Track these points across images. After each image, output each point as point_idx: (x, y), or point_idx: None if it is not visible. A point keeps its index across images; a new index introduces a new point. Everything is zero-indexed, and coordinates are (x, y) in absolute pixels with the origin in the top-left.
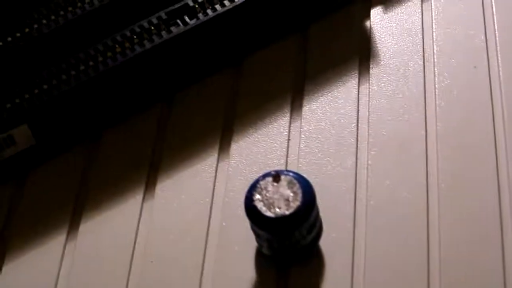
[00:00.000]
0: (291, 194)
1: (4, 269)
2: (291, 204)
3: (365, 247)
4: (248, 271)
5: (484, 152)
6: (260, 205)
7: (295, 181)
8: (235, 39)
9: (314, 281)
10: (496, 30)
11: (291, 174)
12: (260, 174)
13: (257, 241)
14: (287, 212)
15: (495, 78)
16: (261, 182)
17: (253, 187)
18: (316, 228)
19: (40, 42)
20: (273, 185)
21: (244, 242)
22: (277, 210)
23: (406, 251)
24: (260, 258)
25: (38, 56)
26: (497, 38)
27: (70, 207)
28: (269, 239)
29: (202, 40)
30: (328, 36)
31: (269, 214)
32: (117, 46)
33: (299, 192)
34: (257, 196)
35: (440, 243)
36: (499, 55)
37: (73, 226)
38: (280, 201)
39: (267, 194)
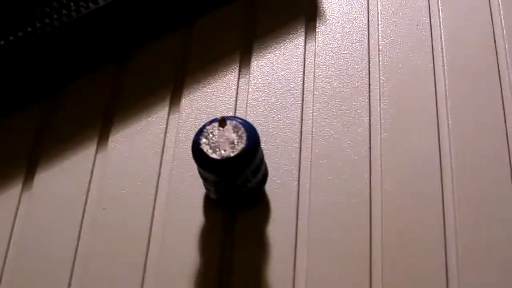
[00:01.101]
0: (236, 138)
1: None
2: (236, 146)
3: (309, 192)
4: (196, 215)
5: (426, 105)
6: (206, 148)
7: (240, 126)
8: (186, 0)
9: (260, 224)
10: None
11: (236, 119)
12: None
13: (205, 186)
14: (232, 154)
15: (436, 35)
16: (208, 127)
17: (200, 132)
18: (261, 171)
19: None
20: (219, 129)
21: (193, 189)
22: (223, 152)
23: (349, 196)
24: (208, 203)
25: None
26: None
27: (26, 158)
28: (216, 182)
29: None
30: None
31: (215, 156)
32: (72, 4)
33: (244, 135)
34: (204, 140)
35: (381, 187)
36: (440, 13)
37: (28, 177)
38: (225, 144)
39: (213, 138)
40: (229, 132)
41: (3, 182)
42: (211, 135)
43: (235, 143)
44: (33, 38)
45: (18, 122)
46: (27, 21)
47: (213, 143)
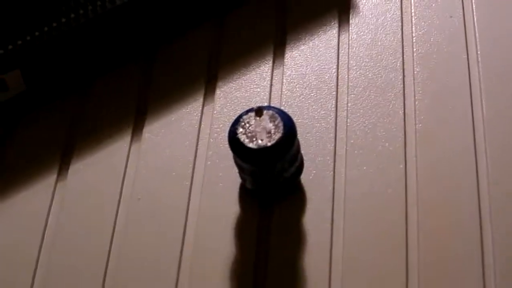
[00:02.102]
0: (273, 127)
1: None
2: (273, 136)
3: (344, 183)
4: (232, 207)
5: (460, 96)
6: (243, 138)
7: (276, 115)
8: None
9: (296, 216)
10: None
11: (273, 109)
12: None
13: (241, 176)
14: (269, 144)
15: (470, 26)
16: (244, 117)
17: (237, 122)
18: (297, 161)
19: None
20: (255, 119)
21: (228, 180)
22: (260, 141)
23: (384, 185)
24: (244, 194)
25: (30, 3)
26: None
27: (61, 150)
28: (252, 172)
29: None
30: None
31: (251, 145)
32: None
33: (280, 125)
34: (240, 130)
35: (417, 178)
36: (473, 5)
37: (63, 168)
38: (262, 133)
39: (250, 128)
40: (266, 121)
41: (39, 172)
42: (247, 125)
43: (272, 132)
44: (66, 30)
45: (53, 113)
46: (62, 12)
47: (250, 132)
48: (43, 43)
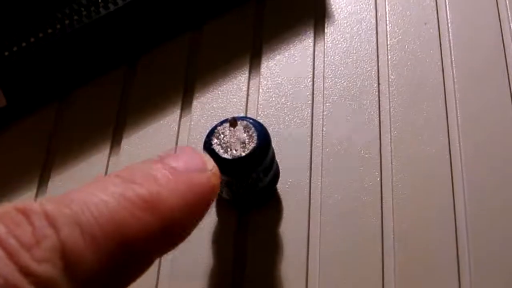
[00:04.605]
0: (247, 137)
1: None
2: (247, 146)
3: (320, 191)
4: (209, 217)
5: (435, 103)
6: (218, 149)
7: (250, 126)
8: (196, 3)
9: (273, 224)
10: None
11: (247, 119)
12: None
13: None
14: (243, 154)
15: (444, 33)
16: (219, 128)
17: (211, 133)
18: (272, 170)
19: (8, 6)
20: (230, 130)
21: None
22: (234, 152)
23: (360, 192)
24: (220, 204)
25: (7, 19)
26: None
27: (40, 164)
28: (228, 182)
29: (164, 3)
30: (284, 1)
31: (226, 156)
32: (82, 9)
33: (255, 135)
34: (215, 141)
35: (392, 185)
36: (448, 11)
37: (42, 183)
38: (236, 144)
39: (224, 138)
40: (240, 132)
41: (17, 190)
42: (222, 135)
43: (246, 142)
44: (44, 44)
45: (33, 126)
46: (38, 27)
47: (225, 143)
48: (23, 58)
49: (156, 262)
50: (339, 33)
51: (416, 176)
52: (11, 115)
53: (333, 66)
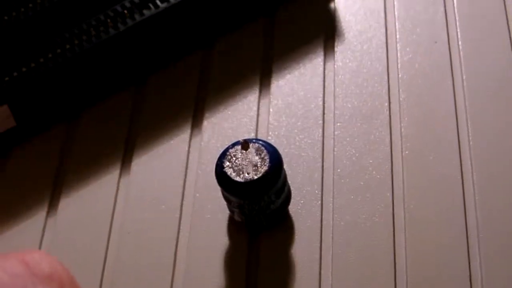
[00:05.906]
0: (259, 160)
1: None
2: (259, 169)
3: (332, 212)
4: (221, 238)
5: (446, 122)
6: (230, 172)
7: (262, 148)
8: (206, 22)
9: (285, 245)
10: (455, 5)
11: (259, 142)
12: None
13: (229, 209)
14: (255, 177)
15: (454, 51)
16: (231, 150)
17: (223, 155)
18: (284, 193)
19: (17, 27)
20: (242, 152)
21: (217, 211)
22: (246, 175)
23: (372, 213)
24: (233, 226)
25: (16, 40)
26: (456, 14)
27: (50, 184)
28: (240, 204)
29: (174, 22)
30: (295, 18)
31: (238, 179)
32: (92, 29)
33: (267, 158)
34: (227, 163)
35: (404, 202)
36: (458, 30)
37: (53, 202)
38: (248, 167)
39: (236, 161)
40: (252, 154)
41: (28, 207)
42: (234, 158)
43: (258, 165)
44: (53, 65)
45: (42, 146)
46: (48, 47)
47: (237, 166)
48: (32, 79)
49: (168, 282)
50: (349, 52)
51: (428, 197)
52: (21, 135)
53: (344, 85)
